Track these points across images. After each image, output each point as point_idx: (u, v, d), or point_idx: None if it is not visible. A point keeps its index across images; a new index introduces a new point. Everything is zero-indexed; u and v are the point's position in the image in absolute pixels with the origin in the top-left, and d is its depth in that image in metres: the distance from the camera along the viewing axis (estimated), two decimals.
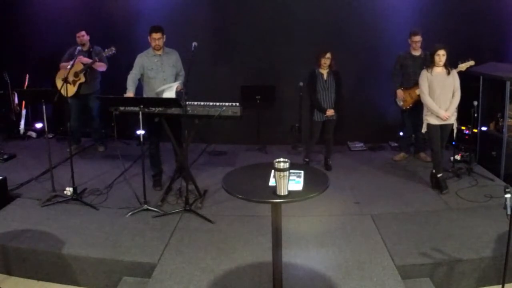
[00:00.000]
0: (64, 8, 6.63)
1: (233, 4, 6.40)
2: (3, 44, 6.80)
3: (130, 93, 4.57)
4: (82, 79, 5.71)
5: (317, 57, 5.21)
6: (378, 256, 3.42)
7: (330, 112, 5.28)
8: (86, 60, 5.70)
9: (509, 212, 2.63)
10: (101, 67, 5.81)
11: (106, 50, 5.43)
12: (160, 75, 4.68)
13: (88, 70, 5.71)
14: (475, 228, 3.81)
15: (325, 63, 5.19)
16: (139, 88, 4.77)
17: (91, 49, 5.89)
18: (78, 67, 5.66)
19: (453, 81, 4.60)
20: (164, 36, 4.66)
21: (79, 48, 5.08)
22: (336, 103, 5.32)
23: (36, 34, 6.75)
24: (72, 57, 5.58)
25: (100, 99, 5.47)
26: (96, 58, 5.67)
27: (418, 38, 5.40)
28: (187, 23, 6.30)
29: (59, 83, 5.73)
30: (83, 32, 5.84)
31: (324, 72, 5.27)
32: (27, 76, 6.65)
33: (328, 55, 5.16)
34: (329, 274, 3.20)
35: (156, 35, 4.59)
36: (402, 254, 3.42)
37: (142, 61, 4.68)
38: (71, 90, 5.76)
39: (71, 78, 5.73)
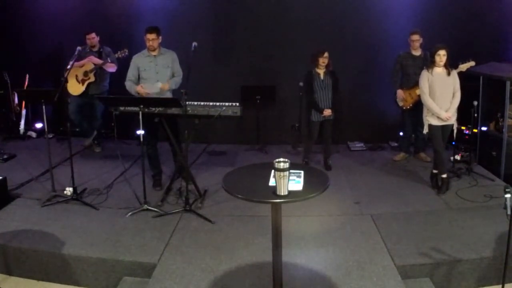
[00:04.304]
0: (65, 8, 6.63)
1: (233, 4, 6.40)
2: (3, 44, 6.80)
3: (139, 87, 4.56)
4: (92, 79, 5.73)
5: (315, 57, 5.20)
6: (378, 256, 3.42)
7: (327, 112, 5.28)
8: (97, 60, 5.72)
9: (509, 212, 2.63)
10: (111, 67, 5.80)
11: (119, 52, 5.39)
12: (153, 76, 4.66)
13: (98, 70, 5.73)
14: (475, 228, 3.81)
15: (323, 63, 5.19)
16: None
17: (101, 50, 5.89)
18: (88, 66, 5.69)
19: (454, 82, 4.59)
20: (160, 37, 4.63)
21: (79, 48, 5.09)
22: (333, 103, 5.32)
23: (36, 34, 6.75)
24: (80, 57, 5.60)
25: (100, 99, 5.47)
26: (108, 59, 5.67)
27: (416, 37, 5.40)
28: (187, 23, 6.31)
29: (70, 82, 5.75)
30: (93, 34, 5.83)
31: (321, 72, 5.27)
32: (27, 76, 6.65)
33: (326, 54, 5.16)
34: (329, 274, 3.20)
35: (151, 36, 4.55)
36: (402, 254, 3.42)
37: (137, 61, 4.67)
38: (80, 88, 5.79)
39: (80, 77, 5.75)
